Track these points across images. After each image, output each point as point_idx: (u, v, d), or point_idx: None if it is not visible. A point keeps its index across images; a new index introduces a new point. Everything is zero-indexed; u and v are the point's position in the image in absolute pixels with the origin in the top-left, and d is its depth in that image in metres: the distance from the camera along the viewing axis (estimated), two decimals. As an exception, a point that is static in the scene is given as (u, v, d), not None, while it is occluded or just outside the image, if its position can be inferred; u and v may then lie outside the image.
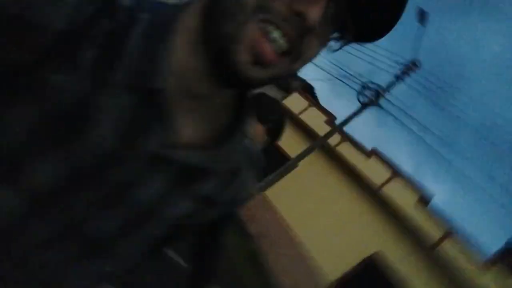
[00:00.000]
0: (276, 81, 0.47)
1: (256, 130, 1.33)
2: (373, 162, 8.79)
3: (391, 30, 0.46)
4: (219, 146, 0.50)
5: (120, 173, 0.45)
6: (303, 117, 10.09)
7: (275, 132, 1.40)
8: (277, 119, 1.39)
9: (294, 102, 10.47)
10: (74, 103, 0.41)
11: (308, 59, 0.46)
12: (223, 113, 0.51)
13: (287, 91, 11.29)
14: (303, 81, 12.02)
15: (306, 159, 8.42)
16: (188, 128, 0.47)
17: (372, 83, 8.46)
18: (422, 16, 8.27)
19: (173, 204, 0.51)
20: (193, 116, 0.48)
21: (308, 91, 11.78)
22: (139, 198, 0.48)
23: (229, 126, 0.51)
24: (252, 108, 1.28)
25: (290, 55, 0.42)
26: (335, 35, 0.46)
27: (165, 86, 0.42)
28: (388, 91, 8.34)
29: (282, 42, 0.41)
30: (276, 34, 0.40)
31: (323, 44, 0.46)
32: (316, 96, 12.45)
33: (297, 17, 0.40)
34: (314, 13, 0.40)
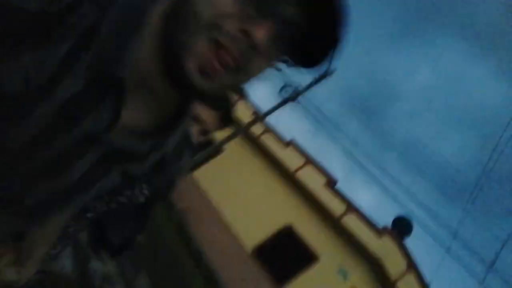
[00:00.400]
0: (219, 93, 0.50)
1: (208, 117, 1.39)
2: (290, 151, 9.94)
3: (325, 60, 0.52)
4: (157, 134, 0.54)
5: (57, 149, 0.48)
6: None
7: (226, 117, 1.48)
8: (226, 105, 1.47)
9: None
10: (36, 84, 0.43)
11: (253, 77, 0.50)
12: (169, 105, 0.54)
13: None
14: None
15: (233, 145, 9.34)
16: (134, 115, 0.51)
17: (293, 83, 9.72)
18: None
19: (102, 179, 0.54)
20: (142, 106, 0.51)
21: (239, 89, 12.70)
22: (72, 172, 0.50)
23: (172, 118, 0.55)
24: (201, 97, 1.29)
25: (236, 71, 0.46)
26: (280, 57, 0.52)
27: (127, 75, 0.46)
28: (306, 91, 9.63)
29: (228, 59, 0.44)
30: (223, 53, 0.44)
31: (268, 64, 0.51)
32: (246, 94, 13.42)
33: (245, 37, 0.44)
34: (260, 34, 0.44)
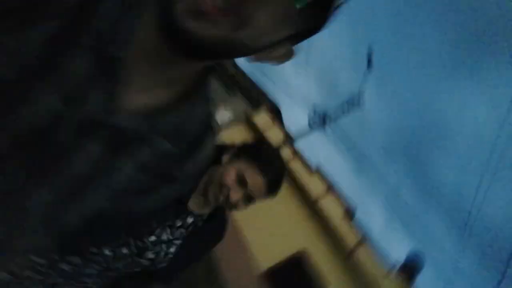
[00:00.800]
0: (224, 49, 0.44)
1: (254, 182, 1.22)
2: (315, 178, 10.25)
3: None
4: (165, 114, 0.50)
5: (58, 138, 0.45)
6: (266, 133, 11.52)
7: (274, 185, 1.29)
8: (277, 171, 1.30)
9: (262, 121, 11.91)
10: (26, 68, 0.42)
11: (259, 31, 0.43)
12: (183, 84, 0.52)
13: (257, 106, 12.67)
14: (271, 101, 13.45)
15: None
16: (141, 95, 0.49)
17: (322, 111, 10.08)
18: (369, 60, 10.05)
19: (113, 171, 0.50)
20: (149, 84, 0.49)
21: (275, 111, 13.21)
22: (76, 164, 0.47)
23: (184, 95, 0.52)
24: (252, 156, 1.24)
25: (232, 16, 0.40)
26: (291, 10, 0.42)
27: (126, 55, 0.44)
28: (334, 120, 9.94)
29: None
30: None
31: (276, 16, 0.43)
32: (282, 118, 13.90)
33: None
34: None
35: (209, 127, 0.60)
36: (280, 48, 0.49)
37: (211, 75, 0.54)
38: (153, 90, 0.49)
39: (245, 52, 0.46)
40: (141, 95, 0.48)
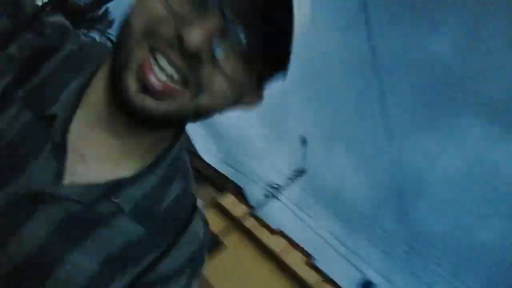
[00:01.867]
0: (182, 117, 0.42)
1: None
2: (277, 238, 12.29)
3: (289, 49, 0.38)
4: (126, 187, 0.45)
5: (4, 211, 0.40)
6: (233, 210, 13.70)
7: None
8: None
9: (229, 202, 14.08)
10: None
11: (217, 95, 0.40)
12: (146, 153, 0.47)
13: (222, 191, 14.79)
14: (234, 183, 15.59)
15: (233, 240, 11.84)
16: (96, 165, 0.44)
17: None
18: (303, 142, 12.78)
19: (68, 260, 0.42)
20: (105, 153, 0.45)
21: (239, 192, 15.35)
22: (22, 243, 0.40)
23: (148, 167, 0.47)
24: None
25: (188, 87, 0.39)
26: (245, 69, 0.40)
27: (59, 114, 0.41)
28: (283, 189, 12.28)
29: (170, 70, 0.37)
30: (163, 62, 0.37)
31: (231, 77, 0.40)
32: (247, 197, 16.01)
33: (180, 42, 0.36)
34: (194, 36, 0.36)
35: (192, 207, 0.54)
36: (244, 97, 0.45)
37: (179, 145, 0.50)
38: (110, 159, 0.45)
39: (206, 114, 0.43)
40: (96, 165, 0.44)
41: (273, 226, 12.97)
